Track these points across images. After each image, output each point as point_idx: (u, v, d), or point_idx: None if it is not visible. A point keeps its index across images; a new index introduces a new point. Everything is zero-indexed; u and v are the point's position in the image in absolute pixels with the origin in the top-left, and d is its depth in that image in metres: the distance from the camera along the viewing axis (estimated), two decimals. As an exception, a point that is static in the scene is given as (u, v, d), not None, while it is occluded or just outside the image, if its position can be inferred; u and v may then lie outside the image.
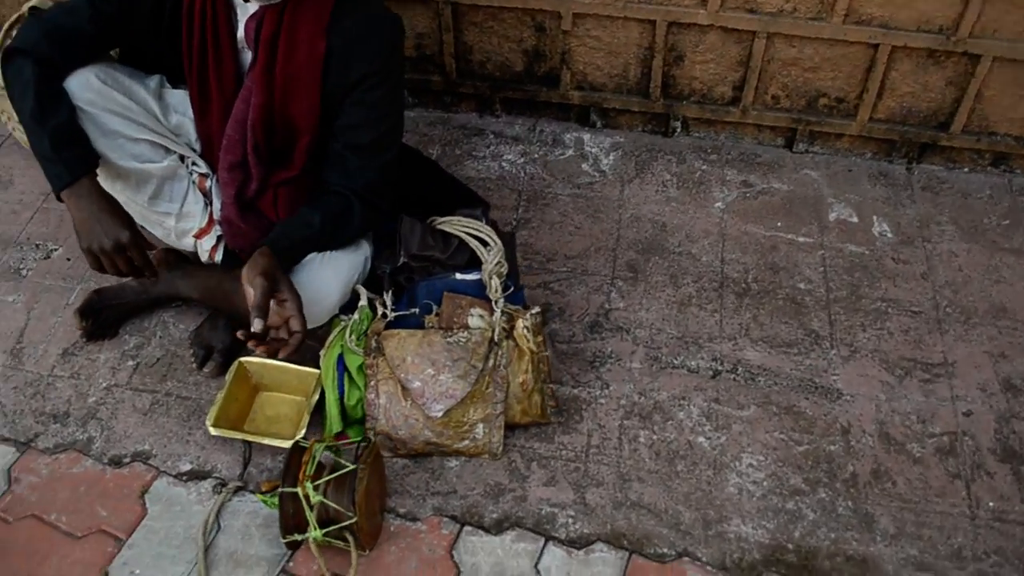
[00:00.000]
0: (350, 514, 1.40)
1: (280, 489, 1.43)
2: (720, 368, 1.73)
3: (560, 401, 1.70)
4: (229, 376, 1.70)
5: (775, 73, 2.00)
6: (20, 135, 2.24)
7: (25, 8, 2.04)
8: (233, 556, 1.54)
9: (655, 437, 1.64)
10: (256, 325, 1.43)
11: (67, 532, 1.59)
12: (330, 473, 1.46)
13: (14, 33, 2.06)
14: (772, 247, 1.94)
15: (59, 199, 1.53)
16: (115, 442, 1.71)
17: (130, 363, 1.83)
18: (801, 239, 1.95)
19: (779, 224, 1.99)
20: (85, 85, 1.58)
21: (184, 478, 1.64)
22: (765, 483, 1.56)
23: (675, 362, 1.75)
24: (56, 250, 2.08)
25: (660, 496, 1.56)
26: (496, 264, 1.59)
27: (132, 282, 1.88)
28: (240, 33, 1.57)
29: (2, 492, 1.65)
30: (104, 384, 1.80)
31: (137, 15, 1.60)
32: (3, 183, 2.26)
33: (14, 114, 1.99)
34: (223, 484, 1.62)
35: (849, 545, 1.48)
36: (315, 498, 1.40)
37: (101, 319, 1.85)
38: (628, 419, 1.67)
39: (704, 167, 2.13)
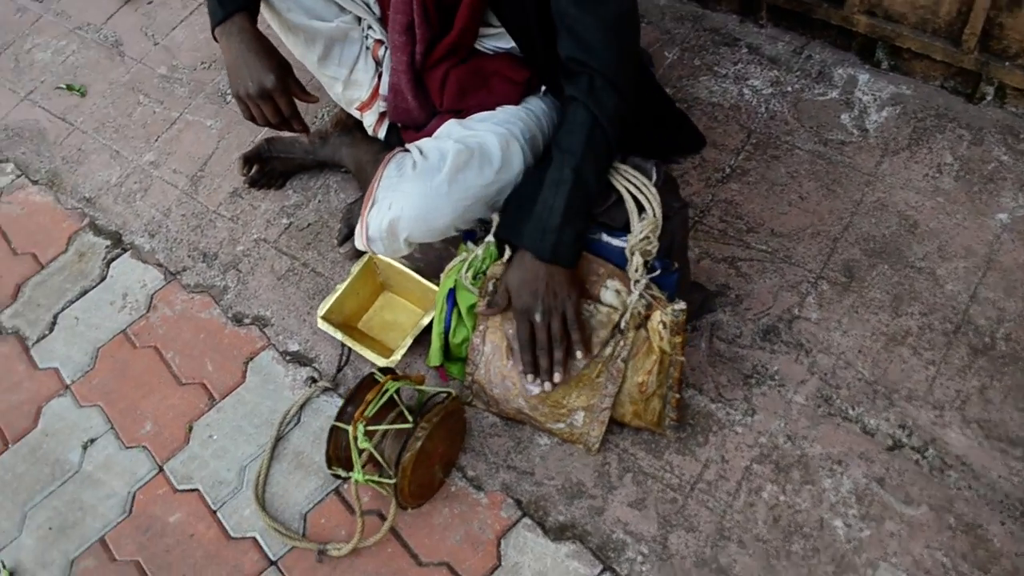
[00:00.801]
0: (391, 476, 1.27)
1: (333, 422, 1.33)
2: (905, 441, 1.32)
3: (686, 413, 1.40)
4: (355, 268, 1.60)
5: None
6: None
7: None
8: (299, 456, 1.50)
9: (782, 498, 1.30)
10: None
11: (175, 374, 1.64)
12: (395, 419, 1.32)
13: None
14: (1055, 298, 1.40)
15: (215, 39, 1.43)
16: (244, 299, 1.71)
17: (284, 220, 1.79)
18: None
19: (1081, 266, 1.42)
20: None
21: (287, 358, 1.61)
22: (902, 601, 1.19)
23: (850, 412, 1.36)
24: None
25: (756, 573, 1.25)
26: (643, 239, 1.28)
27: (303, 138, 1.80)
28: None
29: (140, 315, 1.73)
30: (255, 235, 1.79)
31: None
32: None
33: None
34: (315, 379, 1.56)
35: None
36: (363, 443, 1.28)
37: (267, 169, 1.81)
38: (760, 463, 1.34)
39: (1005, 158, 1.56)
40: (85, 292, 1.79)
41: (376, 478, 1.30)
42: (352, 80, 1.60)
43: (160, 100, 2.08)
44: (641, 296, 1.30)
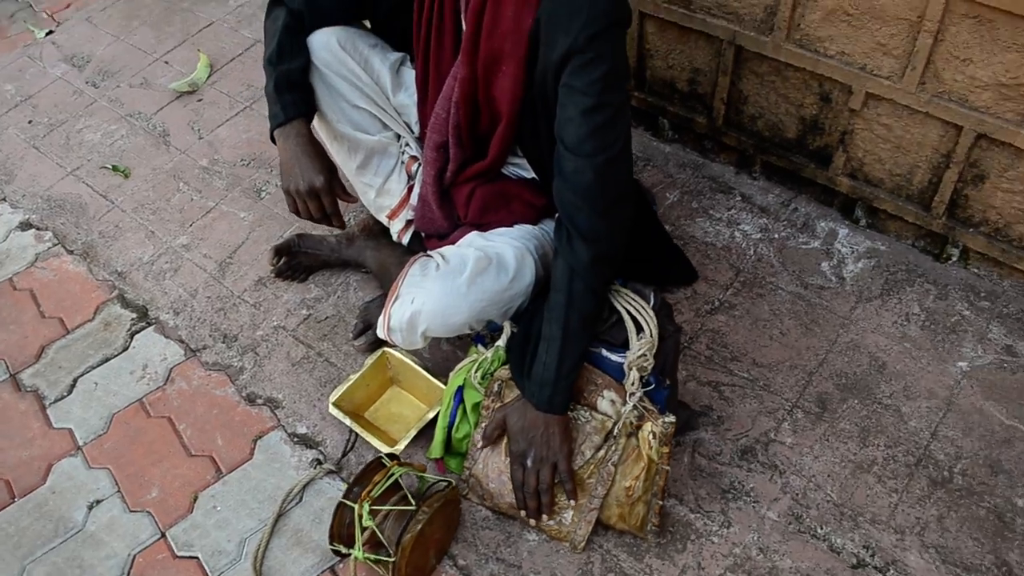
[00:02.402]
0: (390, 556, 1.36)
1: (341, 500, 1.42)
2: (868, 560, 1.42)
3: (667, 520, 1.50)
4: (369, 361, 1.72)
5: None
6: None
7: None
8: (298, 534, 1.57)
9: (753, 611, 1.39)
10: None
11: (186, 446, 1.73)
12: (398, 502, 1.42)
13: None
14: (1006, 440, 1.54)
15: (272, 140, 1.60)
16: (259, 380, 1.81)
17: (304, 311, 1.92)
18: (1053, 449, 1.53)
19: (1035, 417, 1.57)
20: (324, 45, 1.63)
21: (295, 439, 1.70)
22: None
23: (818, 531, 1.46)
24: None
25: None
26: (639, 356, 1.42)
27: (331, 237, 1.97)
28: (462, 10, 1.51)
29: (158, 386, 1.83)
30: (275, 323, 1.91)
31: None
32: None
33: None
34: (320, 461, 1.66)
35: None
36: (367, 521, 1.37)
37: (294, 262, 1.96)
38: (733, 573, 1.43)
39: (966, 312, 1.73)
40: (107, 359, 1.90)
41: (375, 556, 1.38)
42: (385, 189, 1.77)
43: (199, 189, 2.24)
44: (635, 407, 1.43)
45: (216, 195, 2.22)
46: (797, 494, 1.51)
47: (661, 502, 1.45)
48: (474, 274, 1.51)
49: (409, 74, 1.73)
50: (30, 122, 2.56)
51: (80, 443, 1.75)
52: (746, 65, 1.87)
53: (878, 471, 1.53)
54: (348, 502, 1.40)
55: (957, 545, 1.42)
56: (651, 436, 1.41)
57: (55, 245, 2.18)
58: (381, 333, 1.54)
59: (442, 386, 1.65)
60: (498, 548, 1.51)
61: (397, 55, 1.73)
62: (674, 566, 1.45)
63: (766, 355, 1.72)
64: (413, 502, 1.40)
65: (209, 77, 2.58)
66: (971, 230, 1.74)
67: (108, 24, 2.91)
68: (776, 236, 1.93)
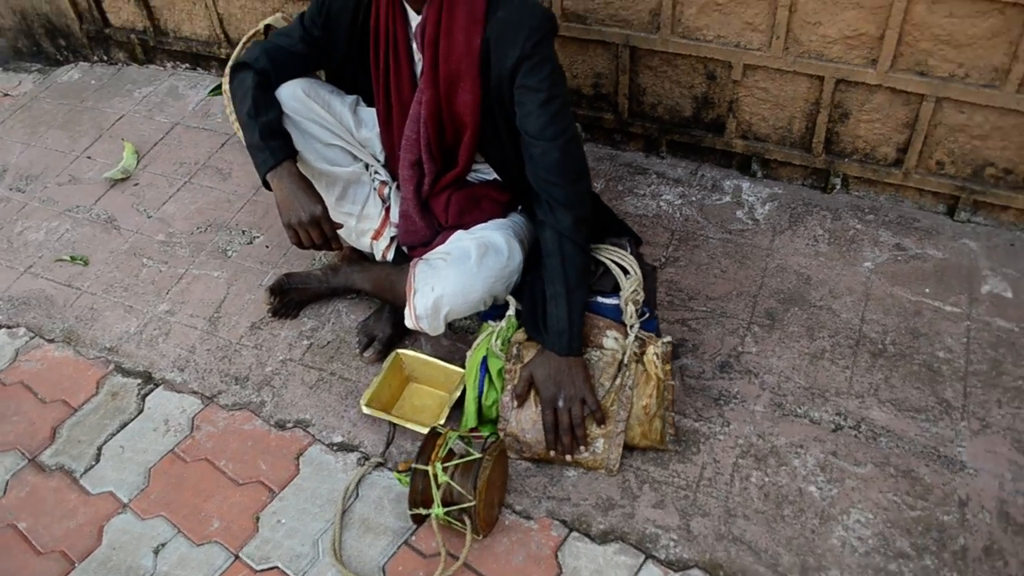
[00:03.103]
0: (470, 498, 1.56)
1: (413, 466, 1.61)
2: (843, 423, 1.76)
3: (680, 432, 1.78)
4: (386, 364, 1.92)
5: (941, 138, 2.00)
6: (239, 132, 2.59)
7: (261, 25, 2.38)
8: (365, 522, 1.74)
9: (767, 479, 1.69)
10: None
11: (231, 478, 1.85)
12: (459, 459, 1.62)
13: (251, 45, 2.42)
14: (916, 312, 1.93)
15: (264, 184, 1.79)
16: (282, 408, 1.96)
17: (305, 342, 2.09)
18: (948, 308, 1.93)
19: (927, 291, 1.97)
20: (292, 95, 1.86)
21: (335, 448, 1.87)
22: (870, 541, 1.57)
23: (798, 411, 1.79)
24: (258, 237, 2.40)
25: (762, 536, 1.61)
26: (632, 291, 1.71)
27: (316, 271, 2.15)
28: (414, 43, 1.79)
29: (185, 436, 1.94)
30: (281, 357, 2.07)
31: (336, 37, 1.87)
32: (223, 174, 2.63)
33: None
34: (366, 458, 1.83)
35: (951, 617, 1.47)
36: (442, 478, 1.57)
37: (286, 300, 2.13)
38: (743, 458, 1.73)
39: (859, 226, 2.14)
40: (125, 424, 1.99)
41: (455, 507, 1.58)
42: (364, 214, 2.00)
43: (164, 261, 2.36)
44: (636, 337, 1.71)
45: (183, 263, 2.35)
46: (773, 388, 1.84)
47: (673, 414, 1.73)
48: (479, 257, 1.76)
49: (366, 112, 1.98)
50: (-38, 236, 2.59)
51: (125, 501, 1.84)
52: (641, 61, 2.24)
53: (829, 356, 1.88)
54: (420, 466, 1.60)
55: (905, 396, 1.79)
56: (655, 357, 1.70)
57: (33, 338, 2.23)
58: (410, 323, 1.76)
59: (458, 370, 1.87)
60: (545, 489, 1.74)
61: (352, 97, 1.97)
62: (695, 465, 1.73)
63: (715, 290, 2.05)
64: (476, 454, 1.61)
65: (139, 163, 2.70)
66: (846, 160, 2.16)
67: (13, 134, 2.96)
68: (693, 199, 2.28)
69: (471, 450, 1.65)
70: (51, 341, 2.21)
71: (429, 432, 1.67)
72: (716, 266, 2.11)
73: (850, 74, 2.00)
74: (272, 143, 1.79)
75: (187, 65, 3.06)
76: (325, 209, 1.77)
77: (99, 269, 2.38)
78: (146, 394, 2.04)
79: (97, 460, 1.93)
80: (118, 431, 1.98)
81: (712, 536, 1.62)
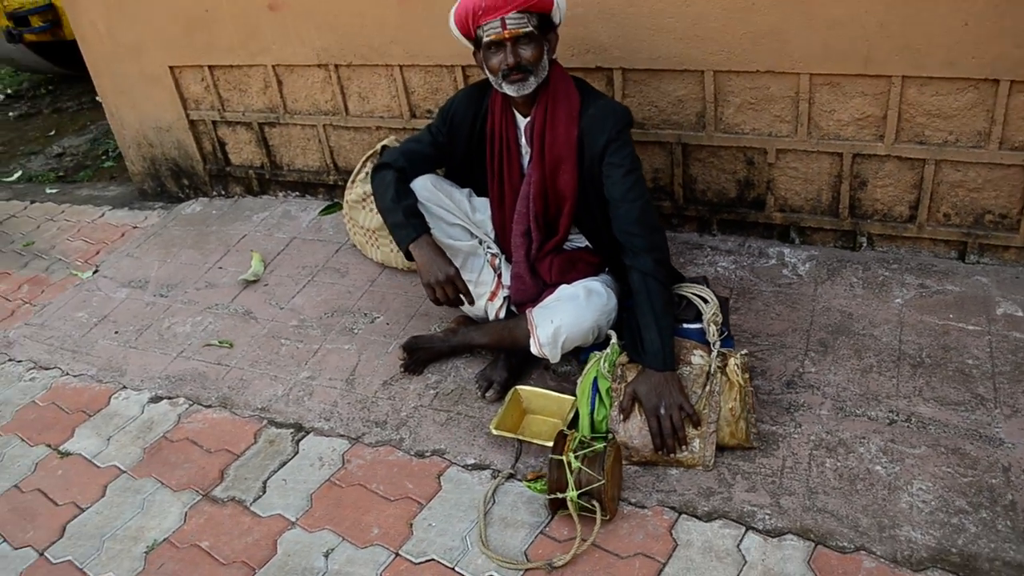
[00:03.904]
0: (599, 478, 1.91)
1: (550, 456, 1.97)
2: (896, 418, 2.11)
3: (760, 434, 2.13)
4: (507, 398, 2.30)
5: (945, 194, 2.46)
6: (359, 239, 3.08)
7: (379, 145, 2.94)
8: (504, 520, 2.06)
9: (839, 464, 2.03)
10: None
11: (383, 496, 2.19)
12: (587, 450, 1.98)
13: (370, 163, 2.96)
14: (944, 332, 2.33)
15: (407, 254, 2.26)
16: (419, 442, 2.33)
17: (432, 392, 2.48)
18: (971, 327, 2.32)
19: (951, 316, 2.37)
20: (423, 187, 2.37)
21: (469, 468, 2.22)
22: (933, 503, 1.89)
23: (857, 412, 2.15)
24: (379, 318, 2.84)
25: (841, 505, 1.93)
26: (712, 315, 2.13)
27: (439, 333, 2.57)
28: (522, 140, 2.30)
29: (338, 468, 2.30)
30: (412, 404, 2.45)
31: (457, 141, 2.39)
32: (341, 273, 3.10)
33: (358, 224, 2.87)
34: (498, 472, 2.18)
35: (1007, 553, 1.77)
36: (575, 464, 1.93)
37: (415, 358, 2.54)
38: (816, 450, 2.07)
39: (886, 273, 2.57)
40: (284, 463, 2.35)
41: (588, 487, 1.92)
42: (480, 280, 2.45)
43: (300, 340, 2.79)
44: (718, 352, 2.10)
45: (316, 341, 2.78)
46: (833, 397, 2.20)
47: (754, 415, 2.10)
48: (586, 296, 2.20)
49: (478, 200, 2.49)
50: (116, 332, 3.03)
51: (293, 520, 2.17)
52: (691, 155, 2.75)
53: (876, 370, 2.25)
54: (556, 456, 1.95)
55: (945, 394, 2.15)
56: (736, 367, 2.09)
57: (192, 405, 2.63)
58: (534, 350, 2.17)
59: (569, 398, 2.25)
60: (654, 485, 2.07)
61: (466, 189, 2.49)
62: (777, 458, 2.07)
63: (773, 328, 2.45)
64: (601, 445, 1.97)
65: (266, 268, 3.19)
66: (868, 220, 2.61)
67: (149, 255, 3.48)
68: (745, 264, 2.73)
69: (593, 446, 2.01)
70: (208, 406, 2.61)
71: (558, 434, 2.04)
72: (772, 311, 2.52)
73: (863, 149, 2.49)
74: (413, 220, 2.27)
75: (297, 193, 3.62)
76: (457, 271, 2.22)
77: (243, 350, 2.81)
78: (299, 440, 2.41)
79: (264, 491, 2.27)
80: (278, 469, 2.33)
81: (799, 509, 1.94)
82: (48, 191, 4.43)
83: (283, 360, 2.73)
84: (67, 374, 2.88)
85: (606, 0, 2.53)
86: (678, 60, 2.57)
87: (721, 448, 2.10)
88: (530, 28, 2.13)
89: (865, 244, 2.66)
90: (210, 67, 3.39)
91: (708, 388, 2.09)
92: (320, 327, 2.84)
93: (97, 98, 5.87)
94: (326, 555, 2.06)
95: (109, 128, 5.28)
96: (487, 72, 2.23)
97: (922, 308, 2.43)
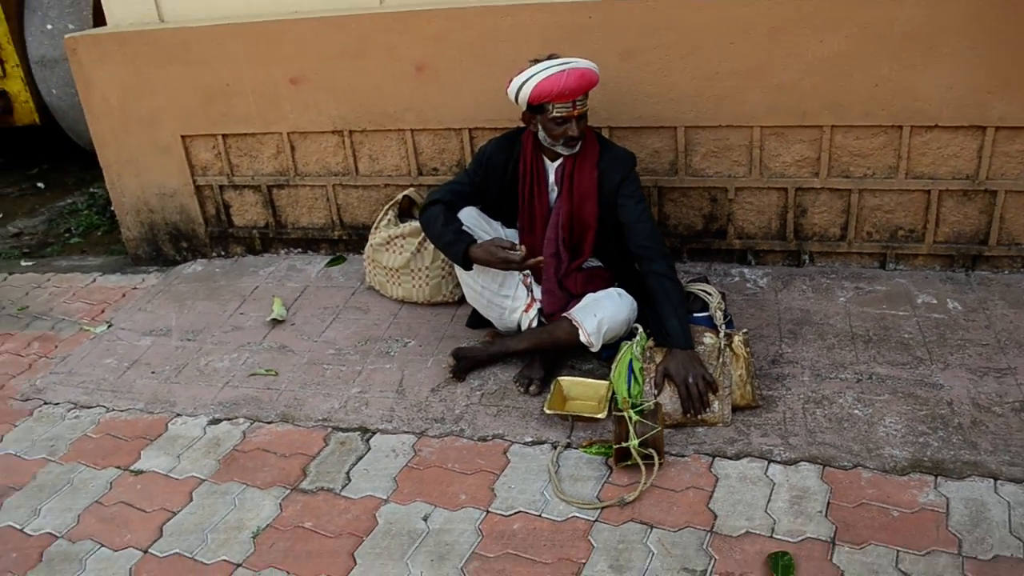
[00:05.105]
0: (657, 426, 2.38)
1: (614, 413, 2.43)
2: (861, 378, 2.72)
3: (763, 397, 2.68)
4: (552, 387, 2.75)
5: (867, 216, 3.18)
6: (379, 279, 3.48)
7: (400, 196, 3.40)
8: (572, 476, 2.48)
9: (827, 412, 2.59)
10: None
11: (460, 472, 2.56)
12: (642, 406, 2.45)
13: (392, 212, 3.41)
14: (882, 318, 2.99)
15: (465, 261, 2.75)
16: (479, 430, 2.72)
17: (478, 393, 2.89)
18: (901, 313, 3.01)
19: (884, 306, 3.05)
20: (468, 216, 2.87)
21: (530, 444, 2.63)
22: (902, 430, 2.48)
23: (831, 376, 2.74)
24: (410, 342, 3.23)
25: (836, 438, 2.48)
26: (717, 304, 2.69)
27: (479, 344, 3.01)
28: (551, 179, 2.85)
29: (412, 456, 2.65)
30: (464, 404, 2.85)
31: (492, 181, 2.92)
32: (363, 311, 3.48)
33: (381, 264, 3.33)
34: (556, 444, 2.61)
35: (963, 456, 2.37)
36: (635, 418, 2.40)
37: (461, 364, 2.94)
38: (807, 404, 2.64)
39: (828, 281, 3.24)
40: (360, 457, 2.67)
41: (645, 437, 2.38)
42: (516, 295, 2.94)
43: (342, 365, 3.14)
44: (725, 332, 2.66)
45: (358, 364, 3.13)
46: (810, 367, 2.79)
47: (757, 380, 2.65)
48: (619, 296, 2.72)
49: (508, 230, 3.00)
50: (153, 372, 3.25)
51: (384, 498, 2.49)
52: (665, 196, 3.37)
53: (838, 347, 2.87)
54: (618, 412, 2.42)
55: (894, 359, 2.78)
56: (740, 343, 2.64)
57: (253, 423, 2.90)
58: (583, 338, 2.66)
59: (604, 382, 2.73)
60: (687, 441, 2.56)
61: (497, 222, 2.99)
62: (779, 412, 2.62)
63: (750, 324, 3.05)
64: (652, 402, 2.45)
65: (288, 311, 3.51)
66: (809, 241, 3.30)
67: (163, 308, 3.72)
68: (714, 282, 3.33)
69: (645, 403, 2.49)
70: (270, 423, 2.89)
71: (616, 407, 2.51)
72: (746, 313, 3.12)
73: (803, 183, 3.19)
74: (463, 235, 2.78)
75: (299, 249, 3.98)
76: (504, 241, 2.71)
77: (289, 376, 3.12)
78: (368, 439, 2.75)
79: (349, 480, 2.59)
80: (356, 462, 2.66)
81: (805, 444, 2.48)
82: (23, 264, 4.55)
83: (331, 381, 3.06)
84: (113, 410, 3.08)
85: (601, 73, 3.16)
86: (655, 119, 3.22)
87: (735, 409, 2.63)
88: (587, 107, 2.72)
89: (808, 261, 3.34)
90: (223, 135, 3.76)
91: (720, 361, 2.63)
92: (357, 353, 3.20)
93: (39, 184, 6.02)
94: (425, 519, 2.40)
95: (64, 209, 5.45)
96: (544, 133, 2.76)
97: (861, 303, 3.10)
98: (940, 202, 3.10)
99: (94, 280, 4.17)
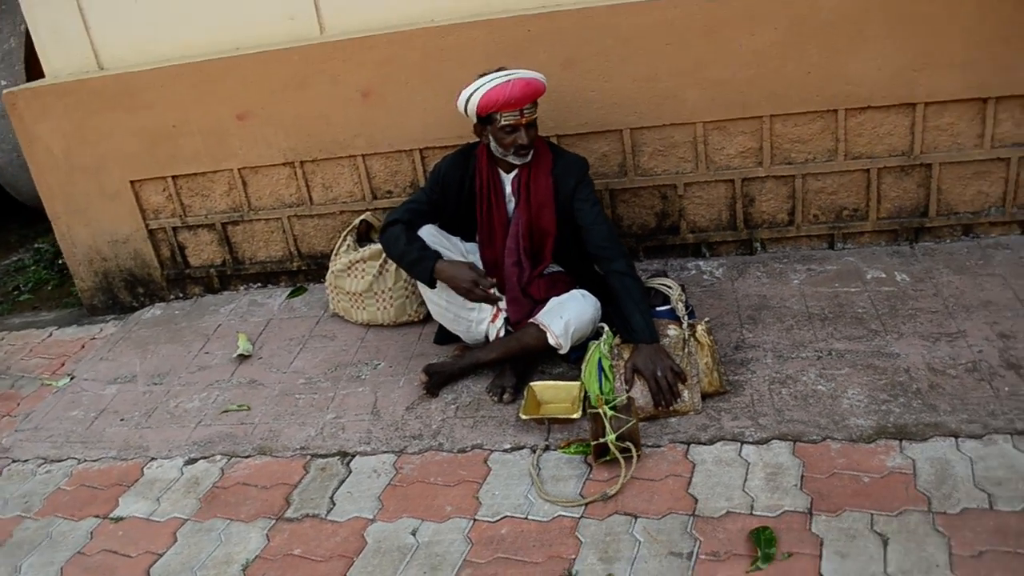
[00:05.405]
0: (631, 419, 2.44)
1: (589, 411, 2.48)
2: (821, 354, 2.81)
3: (731, 382, 2.76)
4: (525, 394, 2.79)
5: (812, 200, 3.30)
6: (343, 305, 3.50)
7: (357, 220, 3.43)
8: (553, 477, 2.52)
9: (792, 390, 2.68)
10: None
11: (443, 484, 2.58)
12: (615, 402, 2.51)
13: (350, 237, 3.43)
14: (835, 295, 3.10)
15: (429, 280, 2.79)
16: (457, 442, 2.75)
17: (452, 407, 2.92)
18: (853, 289, 3.12)
19: (836, 284, 3.16)
20: (428, 233, 2.92)
21: (508, 450, 2.67)
22: (865, 400, 2.57)
23: (792, 356, 2.83)
24: (380, 364, 3.25)
25: (803, 415, 2.56)
26: (678, 296, 2.77)
27: (448, 358, 3.04)
28: (508, 190, 2.91)
29: (394, 474, 2.67)
30: (440, 419, 2.88)
31: (449, 197, 2.97)
32: (329, 338, 3.49)
33: (344, 290, 3.36)
34: (535, 447, 2.65)
35: (925, 419, 2.46)
36: (609, 413, 2.45)
37: (434, 380, 2.97)
38: (772, 385, 2.72)
39: (780, 266, 3.35)
40: (343, 481, 2.68)
41: (620, 432, 2.43)
42: (481, 307, 2.98)
43: (314, 393, 3.14)
44: (688, 323, 2.73)
45: (330, 390, 3.14)
46: (771, 349, 2.88)
47: (723, 366, 2.72)
48: (582, 297, 2.78)
49: (467, 245, 3.05)
50: (122, 420, 3.22)
51: (371, 517, 2.50)
52: (617, 198, 3.45)
53: (796, 328, 2.97)
54: (592, 410, 2.47)
55: (850, 333, 2.88)
56: (705, 332, 2.72)
57: (230, 459, 2.89)
58: (551, 341, 2.71)
59: (575, 383, 2.78)
60: (661, 431, 2.62)
61: (456, 237, 3.04)
62: (746, 395, 2.69)
63: (711, 313, 3.13)
64: (624, 397, 2.51)
65: (254, 345, 3.51)
66: (759, 229, 3.40)
67: (125, 356, 3.68)
68: (672, 277, 3.40)
69: (618, 398, 2.54)
70: (247, 457, 2.88)
71: (590, 405, 2.56)
72: (705, 304, 3.20)
73: (749, 174, 3.30)
74: (428, 252, 2.82)
75: (259, 284, 3.98)
76: (473, 264, 2.76)
77: (261, 409, 3.11)
78: (349, 462, 2.76)
79: (334, 504, 2.59)
80: (339, 486, 2.66)
81: (774, 423, 2.56)
82: (-26, 325, 4.46)
83: (304, 409, 3.06)
84: (85, 460, 3.04)
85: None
86: (601, 124, 3.31)
87: (704, 396, 2.70)
88: (536, 115, 2.79)
89: (760, 248, 3.44)
90: (173, 177, 3.76)
91: (686, 351, 2.70)
92: (328, 380, 3.21)
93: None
94: (413, 533, 2.42)
95: (10, 267, 5.35)
96: (495, 144, 2.82)
97: (814, 283, 3.20)
98: (880, 179, 3.22)
99: (50, 334, 4.12)
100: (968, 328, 2.82)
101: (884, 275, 3.19)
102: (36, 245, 5.58)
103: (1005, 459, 2.26)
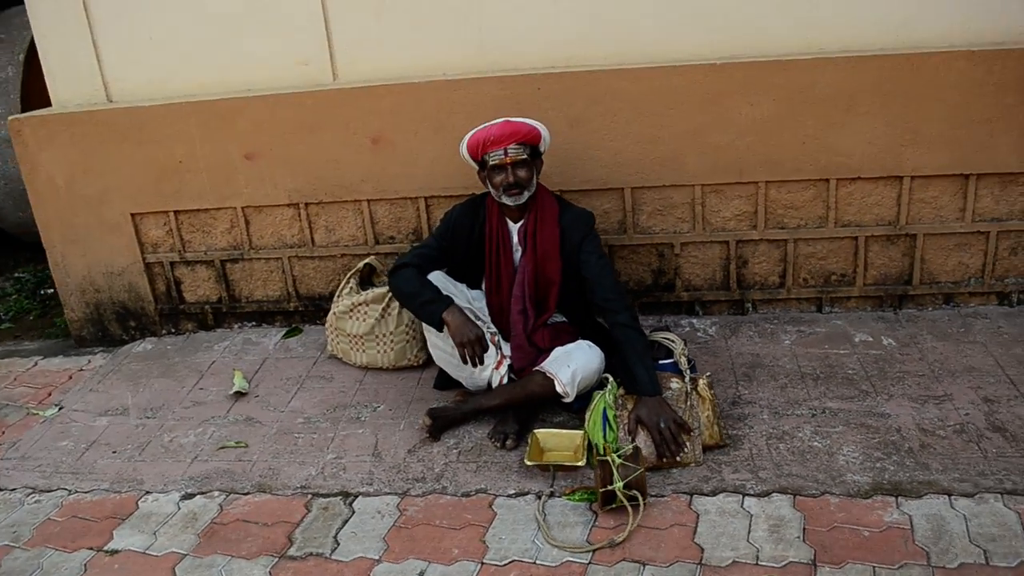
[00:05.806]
0: (639, 467, 2.50)
1: (597, 458, 2.54)
2: (816, 412, 2.91)
3: (729, 433, 2.84)
4: (529, 440, 2.84)
5: (802, 264, 3.44)
6: (342, 347, 3.52)
7: (361, 264, 3.48)
8: (559, 523, 2.56)
9: (789, 446, 2.77)
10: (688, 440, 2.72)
11: (449, 527, 2.61)
12: (622, 452, 2.56)
13: (353, 280, 3.48)
14: (825, 356, 3.22)
15: (439, 324, 2.85)
16: (461, 486, 2.78)
17: (455, 451, 2.95)
18: (842, 351, 3.24)
19: (826, 346, 3.29)
20: (437, 278, 3.00)
21: (513, 495, 2.70)
22: (860, 457, 2.67)
23: (788, 413, 2.93)
24: (379, 406, 3.27)
25: (801, 469, 2.65)
26: (682, 351, 2.86)
27: (451, 404, 3.08)
28: (515, 240, 3.00)
29: (398, 516, 2.68)
30: (442, 462, 2.90)
31: (458, 244, 3.05)
32: (327, 379, 3.51)
33: (345, 332, 3.41)
34: (541, 493, 2.69)
35: (919, 476, 2.57)
36: (617, 461, 2.50)
37: (437, 424, 3.00)
38: (770, 440, 2.81)
39: (771, 327, 3.47)
40: (346, 521, 2.68)
41: (628, 479, 2.49)
42: (486, 355, 3.03)
43: (313, 432, 3.15)
44: (691, 377, 2.82)
45: (330, 430, 3.15)
46: (767, 406, 2.97)
47: (723, 420, 2.81)
48: (588, 347, 2.86)
49: (473, 292, 3.12)
50: (114, 452, 3.18)
51: (376, 558, 2.51)
52: (616, 254, 3.56)
53: (790, 386, 3.07)
54: (601, 458, 2.52)
55: (842, 393, 2.99)
56: (706, 386, 2.81)
57: (228, 495, 2.87)
58: (559, 389, 2.77)
59: (579, 432, 2.84)
60: (664, 482, 2.68)
61: (462, 284, 3.11)
62: (745, 449, 2.78)
63: (707, 369, 3.22)
64: (631, 446, 2.57)
65: (249, 383, 3.50)
66: (751, 290, 3.53)
67: (115, 388, 3.64)
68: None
69: (624, 447, 2.60)
70: (246, 494, 2.87)
71: (597, 453, 2.62)
72: (700, 359, 3.30)
73: (743, 236, 3.44)
74: (440, 296, 2.88)
75: (253, 323, 3.98)
76: (483, 332, 2.82)
77: (260, 447, 3.10)
78: (351, 502, 2.76)
79: (338, 543, 2.59)
80: (343, 526, 2.66)
81: (774, 477, 2.64)
82: (-46, 353, 4.37)
83: (304, 448, 3.06)
84: (76, 491, 2.99)
85: (552, 139, 3.35)
86: (604, 181, 3.43)
87: (704, 448, 2.77)
88: (524, 156, 2.89)
89: (751, 308, 3.56)
90: (175, 212, 3.78)
91: (688, 404, 2.78)
92: (328, 420, 3.22)
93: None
94: (421, 575, 2.43)
95: (-11, 296, 5.26)
96: (490, 187, 2.93)
97: (805, 344, 3.33)
98: (867, 247, 3.39)
99: (35, 364, 4.06)
100: (954, 392, 2.96)
101: (871, 339, 3.33)
102: (16, 274, 5.50)
103: (997, 517, 2.37)
